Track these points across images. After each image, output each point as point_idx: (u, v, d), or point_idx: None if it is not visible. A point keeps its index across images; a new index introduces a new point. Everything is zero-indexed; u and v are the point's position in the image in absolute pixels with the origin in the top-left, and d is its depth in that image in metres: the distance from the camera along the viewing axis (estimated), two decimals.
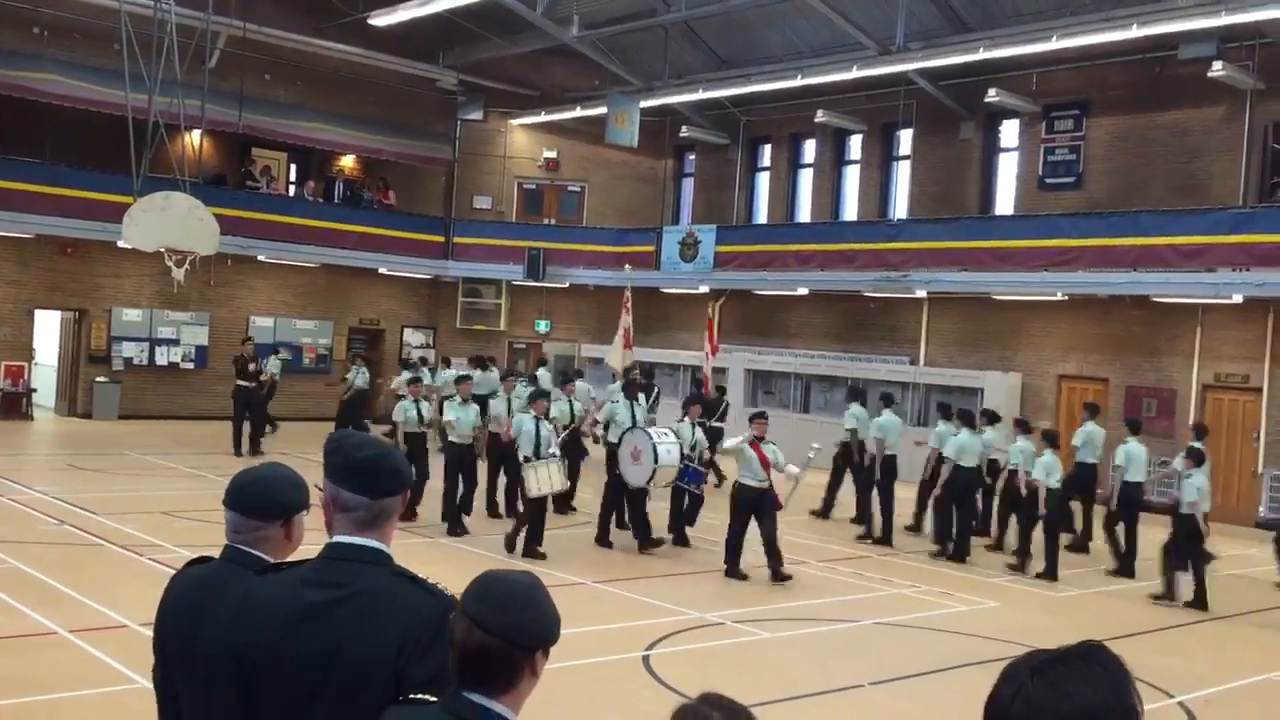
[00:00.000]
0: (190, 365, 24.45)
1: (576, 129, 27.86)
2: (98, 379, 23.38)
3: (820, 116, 24.04)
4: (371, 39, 25.16)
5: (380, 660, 2.37)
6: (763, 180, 27.72)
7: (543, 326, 28.10)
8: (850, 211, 25.64)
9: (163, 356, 24.28)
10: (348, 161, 27.93)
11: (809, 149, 26.63)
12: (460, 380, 14.83)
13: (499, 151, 28.68)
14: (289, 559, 2.72)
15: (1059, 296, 20.60)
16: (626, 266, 24.11)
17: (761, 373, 24.88)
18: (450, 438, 13.77)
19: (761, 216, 27.47)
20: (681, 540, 13.48)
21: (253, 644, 2.45)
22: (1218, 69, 18.39)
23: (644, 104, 25.46)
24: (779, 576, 11.71)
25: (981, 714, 1.69)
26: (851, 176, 25.92)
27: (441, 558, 11.57)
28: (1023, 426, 14.41)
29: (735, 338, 26.38)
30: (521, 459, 12.43)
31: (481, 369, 20.39)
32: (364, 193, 27.43)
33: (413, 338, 28.02)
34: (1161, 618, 11.44)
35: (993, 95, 21.27)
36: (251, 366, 19.55)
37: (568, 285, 27.28)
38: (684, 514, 13.70)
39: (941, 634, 10.22)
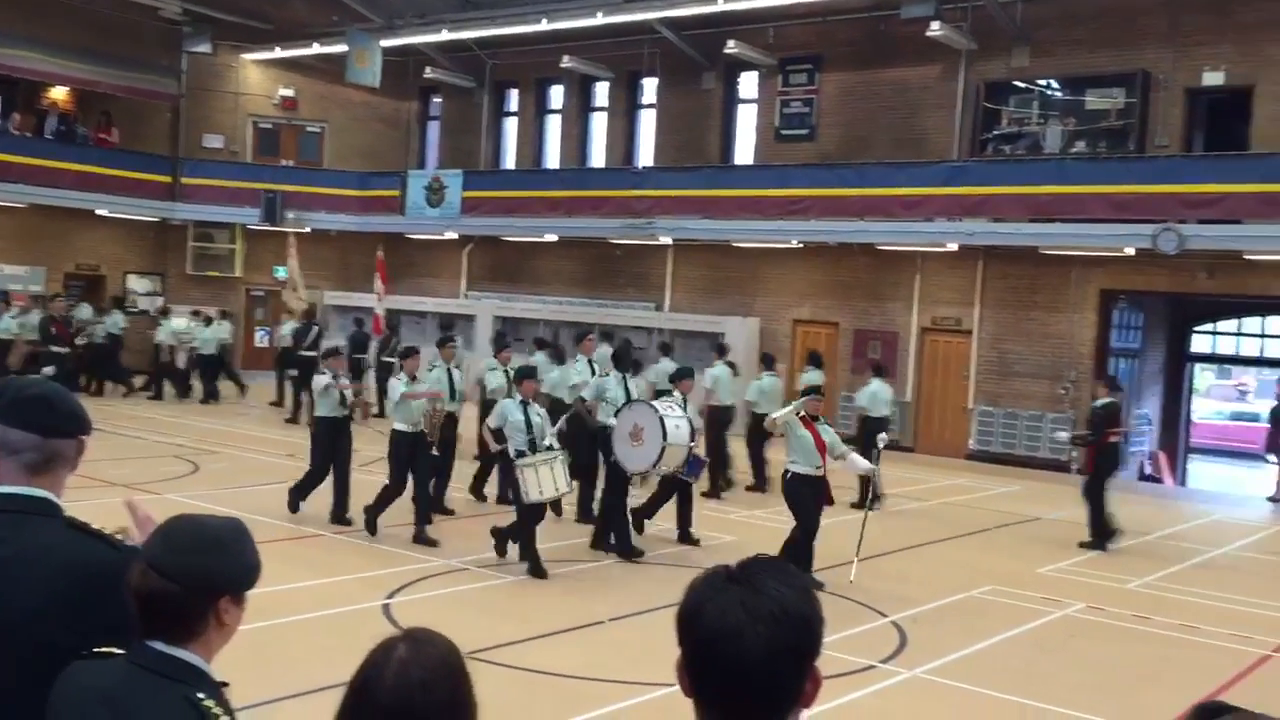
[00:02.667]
0: None
1: (315, 67, 26.74)
2: None
3: (567, 62, 23.99)
4: None
5: (41, 618, 2.17)
6: (510, 125, 27.46)
7: (281, 273, 26.92)
8: (597, 158, 25.81)
9: None
10: (60, 94, 25.74)
11: (556, 95, 26.55)
12: (407, 354, 11.91)
13: (230, 88, 27.16)
14: None
15: (794, 244, 21.53)
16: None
17: (510, 319, 24.80)
18: (396, 424, 11.32)
19: (509, 162, 27.25)
20: (688, 539, 11.70)
21: None
22: (935, 29, 19.53)
23: (386, 43, 24.68)
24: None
25: (677, 623, 1.72)
26: (598, 123, 26.06)
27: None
28: (721, 351, 15.82)
29: (484, 284, 26.20)
30: (514, 454, 10.24)
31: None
32: (79, 128, 25.39)
33: (138, 284, 26.32)
34: (878, 544, 12.23)
35: (732, 47, 21.83)
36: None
37: (309, 230, 26.25)
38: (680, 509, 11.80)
39: (679, 568, 10.57)
